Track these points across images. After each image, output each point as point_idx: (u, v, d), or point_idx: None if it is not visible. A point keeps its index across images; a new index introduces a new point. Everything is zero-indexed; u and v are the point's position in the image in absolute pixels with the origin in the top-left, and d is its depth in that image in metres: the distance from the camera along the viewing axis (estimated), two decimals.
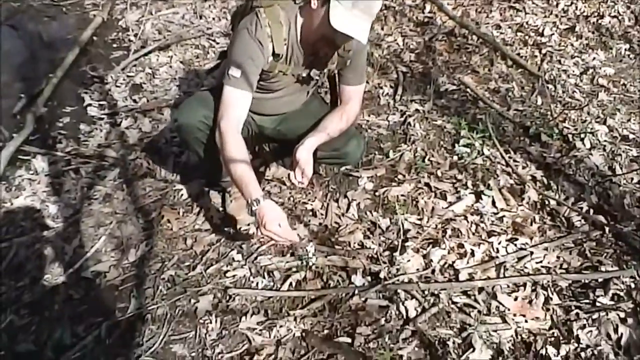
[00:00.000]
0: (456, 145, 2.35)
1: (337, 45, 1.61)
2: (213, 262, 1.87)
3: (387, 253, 1.87)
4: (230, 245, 1.93)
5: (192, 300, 1.74)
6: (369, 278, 1.79)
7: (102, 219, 2.04)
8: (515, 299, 1.70)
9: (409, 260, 1.82)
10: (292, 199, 2.11)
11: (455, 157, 2.29)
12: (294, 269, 1.83)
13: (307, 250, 1.82)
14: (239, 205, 1.97)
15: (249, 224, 1.94)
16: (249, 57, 1.58)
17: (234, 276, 1.82)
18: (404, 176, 2.20)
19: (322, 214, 2.04)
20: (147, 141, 2.42)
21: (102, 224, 2.02)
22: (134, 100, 2.71)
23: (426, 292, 1.73)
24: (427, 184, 2.15)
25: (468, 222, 1.97)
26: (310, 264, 1.82)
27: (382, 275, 1.78)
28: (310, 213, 2.05)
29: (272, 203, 1.53)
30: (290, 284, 1.78)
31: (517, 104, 2.63)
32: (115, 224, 2.01)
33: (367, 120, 2.53)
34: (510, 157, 2.28)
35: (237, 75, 1.59)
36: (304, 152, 1.67)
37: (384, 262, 1.82)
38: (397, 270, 1.80)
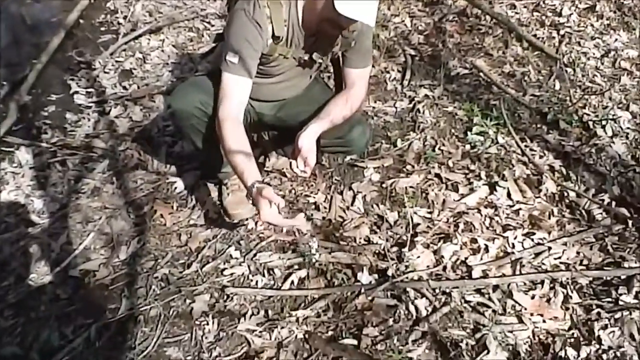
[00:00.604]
0: (468, 133, 2.34)
1: (342, 26, 1.60)
2: (209, 260, 1.87)
3: (395, 249, 1.87)
4: (227, 241, 1.93)
5: (187, 300, 1.74)
6: (376, 276, 1.78)
7: (91, 214, 2.04)
8: (532, 297, 1.70)
9: (418, 257, 1.82)
10: (293, 191, 2.11)
11: (468, 146, 2.29)
12: (296, 267, 1.83)
13: (309, 246, 1.82)
14: (237, 199, 1.96)
15: (247, 219, 1.94)
16: (247, 41, 1.58)
17: (231, 274, 1.82)
18: (413, 167, 2.20)
19: (325, 208, 2.04)
20: (138, 131, 2.41)
21: (90, 219, 2.02)
22: (124, 87, 2.71)
23: (437, 291, 1.73)
24: (437, 175, 2.15)
25: (481, 215, 1.97)
26: (313, 260, 1.81)
27: (390, 272, 1.77)
28: (313, 206, 2.05)
29: (270, 188, 1.50)
30: (292, 282, 1.78)
31: (534, 89, 2.61)
32: (104, 220, 2.01)
33: (373, 107, 2.53)
34: (526, 146, 2.27)
35: (234, 60, 1.58)
36: (307, 139, 1.67)
37: (392, 259, 1.82)
38: (406, 267, 1.80)
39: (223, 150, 1.61)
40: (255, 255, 1.87)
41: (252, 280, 1.80)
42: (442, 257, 1.82)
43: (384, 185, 2.12)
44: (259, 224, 1.81)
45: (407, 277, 1.76)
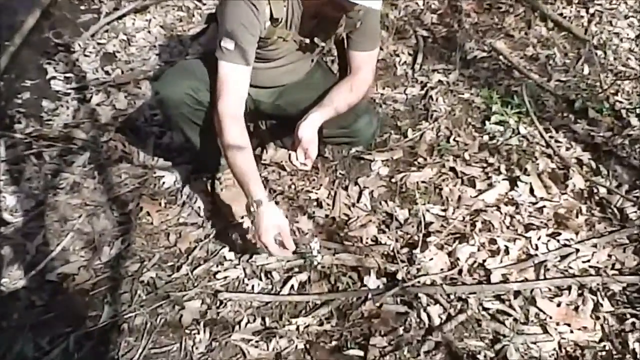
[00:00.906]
0: (487, 122, 2.35)
1: (347, 8, 1.59)
2: (201, 262, 1.88)
3: (405, 250, 1.87)
4: (221, 241, 1.94)
5: (176, 307, 1.74)
6: (384, 279, 1.79)
7: (70, 212, 2.04)
8: (559, 304, 1.69)
9: (431, 259, 1.82)
10: (293, 186, 2.11)
11: (486, 137, 2.29)
12: (296, 270, 1.83)
13: (311, 247, 1.79)
14: (232, 195, 1.97)
15: (243, 217, 1.94)
16: (242, 25, 1.57)
17: (225, 278, 1.82)
18: (425, 159, 2.20)
19: (328, 205, 2.04)
20: (123, 120, 2.41)
21: (69, 217, 2.02)
22: (106, 72, 2.71)
23: (452, 297, 1.73)
24: (452, 169, 2.15)
25: (501, 213, 1.96)
26: (315, 263, 1.81)
27: (399, 276, 1.77)
28: (315, 203, 2.05)
29: (275, 208, 1.59)
30: (292, 286, 1.78)
31: (560, 74, 2.61)
32: (85, 218, 2.01)
33: (382, 94, 2.52)
34: (551, 137, 2.27)
35: (230, 47, 1.58)
36: (308, 130, 1.67)
37: (402, 261, 1.82)
38: (418, 270, 1.80)
39: (222, 148, 1.64)
40: (251, 257, 1.87)
41: (247, 285, 1.80)
42: (458, 259, 1.82)
43: (393, 180, 2.12)
44: (252, 237, 1.83)
45: (418, 282, 1.76)
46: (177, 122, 1.81)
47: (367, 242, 1.91)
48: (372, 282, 1.78)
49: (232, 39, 1.57)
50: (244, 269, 1.84)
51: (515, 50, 2.75)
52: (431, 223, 1.94)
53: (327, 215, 2.00)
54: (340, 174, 2.16)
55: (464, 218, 1.96)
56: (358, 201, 2.05)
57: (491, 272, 1.78)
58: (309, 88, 1.85)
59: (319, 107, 1.72)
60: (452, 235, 1.90)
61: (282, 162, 2.16)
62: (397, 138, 2.31)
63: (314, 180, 2.13)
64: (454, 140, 2.27)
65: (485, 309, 1.70)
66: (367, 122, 1.88)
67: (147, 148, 2.27)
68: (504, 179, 2.08)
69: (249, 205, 1.60)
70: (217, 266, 1.86)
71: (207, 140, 1.85)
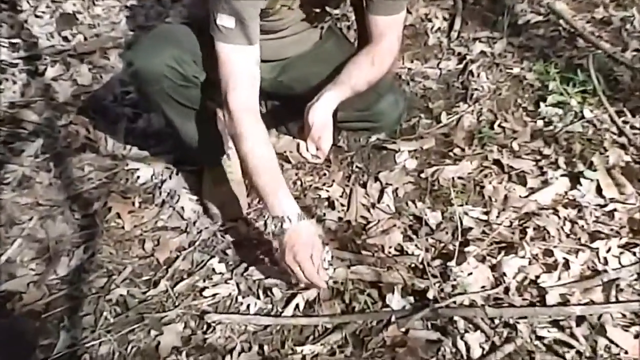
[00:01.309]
0: (541, 104, 2.34)
1: None
2: (184, 276, 1.88)
3: (438, 262, 1.87)
4: (209, 250, 1.94)
5: (153, 332, 1.73)
6: (411, 299, 1.78)
7: (18, 213, 2.05)
8: (636, 336, 1.64)
9: (470, 274, 1.82)
10: (299, 182, 2.13)
11: (540, 122, 2.29)
12: (302, 285, 1.81)
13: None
14: (225, 192, 2.00)
15: (238, 220, 1.96)
16: None
17: (214, 296, 1.82)
18: (463, 150, 2.20)
19: (342, 205, 2.05)
20: (86, 98, 2.42)
21: (17, 220, 2.03)
22: (65, 38, 2.73)
23: (497, 322, 1.70)
24: (497, 162, 2.15)
25: (559, 218, 1.95)
26: (326, 277, 1.77)
27: (430, 294, 1.76)
28: (326, 203, 2.06)
29: (310, 226, 1.65)
30: (297, 306, 1.78)
31: (638, 42, 2.59)
32: (37, 221, 2.02)
33: (409, 69, 2.53)
34: (625, 122, 2.24)
35: (230, 25, 1.58)
36: (320, 113, 1.68)
37: (434, 276, 1.81)
38: (453, 287, 1.79)
39: (238, 154, 1.68)
40: (246, 269, 1.87)
41: (242, 304, 1.79)
42: (504, 275, 1.81)
43: (422, 176, 2.12)
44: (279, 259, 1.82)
45: (454, 302, 1.75)
46: (156, 101, 1.81)
47: (390, 252, 1.91)
48: (397, 301, 1.77)
49: (232, 15, 1.57)
50: (237, 285, 1.84)
51: (580, 12, 2.74)
52: (470, 229, 1.94)
53: (340, 219, 2.00)
54: (357, 167, 2.16)
55: (511, 223, 1.95)
56: (379, 201, 2.05)
57: (546, 291, 1.76)
58: (319, 61, 1.87)
59: (333, 85, 1.72)
60: (497, 245, 1.90)
61: (285, 152, 2.17)
62: (429, 123, 2.31)
63: (324, 175, 2.14)
64: (499, 126, 2.26)
65: (539, 338, 1.66)
66: (391, 104, 1.89)
67: (117, 134, 2.27)
68: (563, 175, 2.08)
69: (275, 223, 1.62)
70: (204, 281, 1.85)
71: (194, 124, 1.88)
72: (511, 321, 1.70)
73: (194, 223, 2.01)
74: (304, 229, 1.61)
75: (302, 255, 1.59)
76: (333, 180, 2.11)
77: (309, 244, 1.61)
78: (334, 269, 1.81)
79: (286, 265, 1.63)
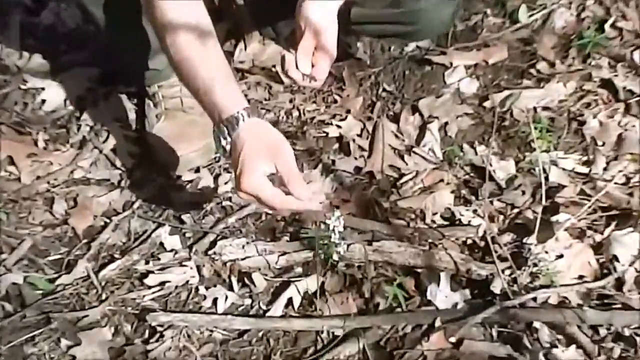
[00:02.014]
0: None
1: None
2: (115, 254, 1.85)
3: (509, 238, 1.82)
4: (154, 215, 1.93)
5: (65, 342, 1.69)
6: (467, 292, 1.73)
7: None
8: None
9: (560, 256, 1.74)
10: (296, 113, 2.12)
11: None
12: (298, 269, 1.81)
13: (327, 225, 1.71)
14: (178, 126, 2.00)
15: (199, 168, 1.97)
16: None
17: (161, 285, 1.78)
18: (552, 65, 2.17)
19: (362, 149, 2.03)
20: None
21: None
22: None
23: (602, 331, 1.64)
24: (606, 83, 2.12)
25: None
26: (334, 257, 1.75)
27: (497, 287, 1.70)
28: (336, 145, 2.05)
29: (266, 127, 1.52)
30: (290, 302, 1.74)
31: None
32: None
33: None
34: None
35: None
36: (317, 10, 1.61)
37: (503, 259, 1.74)
38: (534, 277, 1.73)
39: (157, 32, 1.61)
40: (213, 244, 1.83)
41: (205, 298, 1.76)
42: (614, 259, 1.75)
43: (486, 105, 2.10)
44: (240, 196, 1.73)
45: (534, 299, 1.69)
46: None
47: (433, 221, 1.87)
48: (443, 296, 1.73)
49: None
50: (198, 268, 1.79)
51: None
52: (561, 187, 1.89)
53: (358, 169, 1.98)
54: (385, 91, 2.15)
55: (627, 180, 1.91)
56: (418, 143, 2.02)
57: None
58: None
59: None
60: (603, 213, 1.85)
61: (273, 67, 2.18)
62: (498, 24, 2.30)
63: (335, 102, 2.12)
64: (611, 26, 2.24)
65: None
66: None
67: (9, 35, 2.28)
68: None
69: (219, 133, 1.52)
70: (146, 262, 1.81)
71: (126, 21, 1.84)
72: (626, 332, 1.64)
73: (132, 173, 2.00)
74: (255, 134, 1.48)
75: (254, 179, 1.44)
76: (348, 111, 2.10)
77: (266, 156, 1.46)
78: (347, 246, 1.77)
79: (241, 197, 1.52)
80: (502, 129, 2.04)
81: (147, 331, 1.69)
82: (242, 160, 1.45)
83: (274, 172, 1.46)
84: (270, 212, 1.69)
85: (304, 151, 2.01)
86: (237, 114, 1.47)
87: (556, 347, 1.61)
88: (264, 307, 1.73)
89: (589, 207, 1.84)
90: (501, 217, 1.86)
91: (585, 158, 1.96)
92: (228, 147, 1.50)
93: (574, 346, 1.61)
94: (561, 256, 1.74)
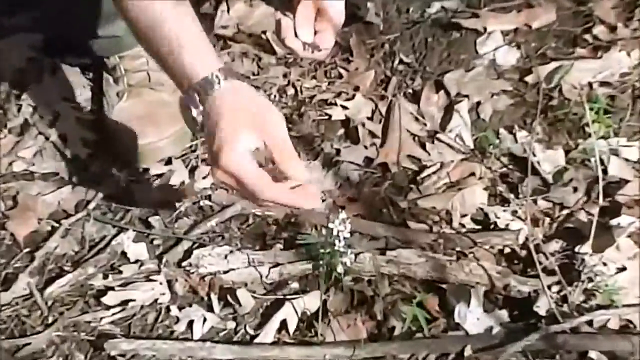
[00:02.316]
0: None
1: None
2: (65, 266, 1.79)
3: (557, 246, 1.76)
4: (115, 216, 1.89)
5: None
6: (503, 313, 1.68)
7: None
8: None
9: (622, 269, 1.69)
10: (293, 90, 2.09)
11: None
12: (294, 285, 1.77)
13: (332, 230, 1.66)
14: (143, 106, 1.97)
15: (171, 159, 1.93)
16: None
17: (124, 304, 1.73)
18: (613, 30, 2.13)
19: (373, 135, 2.00)
20: None
21: None
22: None
23: None
24: None
25: None
26: (339, 269, 1.69)
27: (542, 307, 1.64)
28: (342, 131, 2.02)
29: (246, 89, 1.47)
30: (283, 324, 1.68)
31: None
32: None
33: None
34: None
35: None
36: None
37: (549, 272, 1.70)
38: (589, 295, 1.68)
39: (121, 10, 1.54)
40: (189, 252, 1.78)
41: (178, 321, 1.71)
42: None
43: (528, 80, 2.05)
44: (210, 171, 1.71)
45: (589, 323, 1.63)
46: None
47: (461, 225, 1.83)
48: (474, 319, 1.68)
49: None
50: (168, 283, 1.74)
51: None
52: (623, 183, 1.84)
53: (369, 160, 1.94)
54: (402, 63, 2.11)
55: None
56: (443, 128, 1.98)
57: None
58: None
59: None
60: None
61: (265, 34, 2.16)
62: None
63: (339, 77, 2.09)
64: None
65: None
66: None
67: None
68: None
69: (188, 102, 1.46)
70: (104, 277, 1.76)
71: None
72: None
73: (86, 166, 1.94)
74: (233, 100, 1.43)
75: (234, 158, 1.37)
76: (356, 88, 2.06)
77: (251, 114, 1.42)
78: (355, 256, 1.72)
79: (220, 186, 1.57)
80: (548, 110, 1.99)
81: None
82: (219, 132, 1.38)
83: (260, 146, 1.39)
84: (258, 209, 1.67)
85: (301, 138, 1.97)
86: (211, 76, 1.40)
87: None
88: (251, 332, 1.67)
89: None
90: (547, 220, 1.81)
91: None
92: (200, 119, 1.43)
93: None
94: (623, 269, 1.69)
